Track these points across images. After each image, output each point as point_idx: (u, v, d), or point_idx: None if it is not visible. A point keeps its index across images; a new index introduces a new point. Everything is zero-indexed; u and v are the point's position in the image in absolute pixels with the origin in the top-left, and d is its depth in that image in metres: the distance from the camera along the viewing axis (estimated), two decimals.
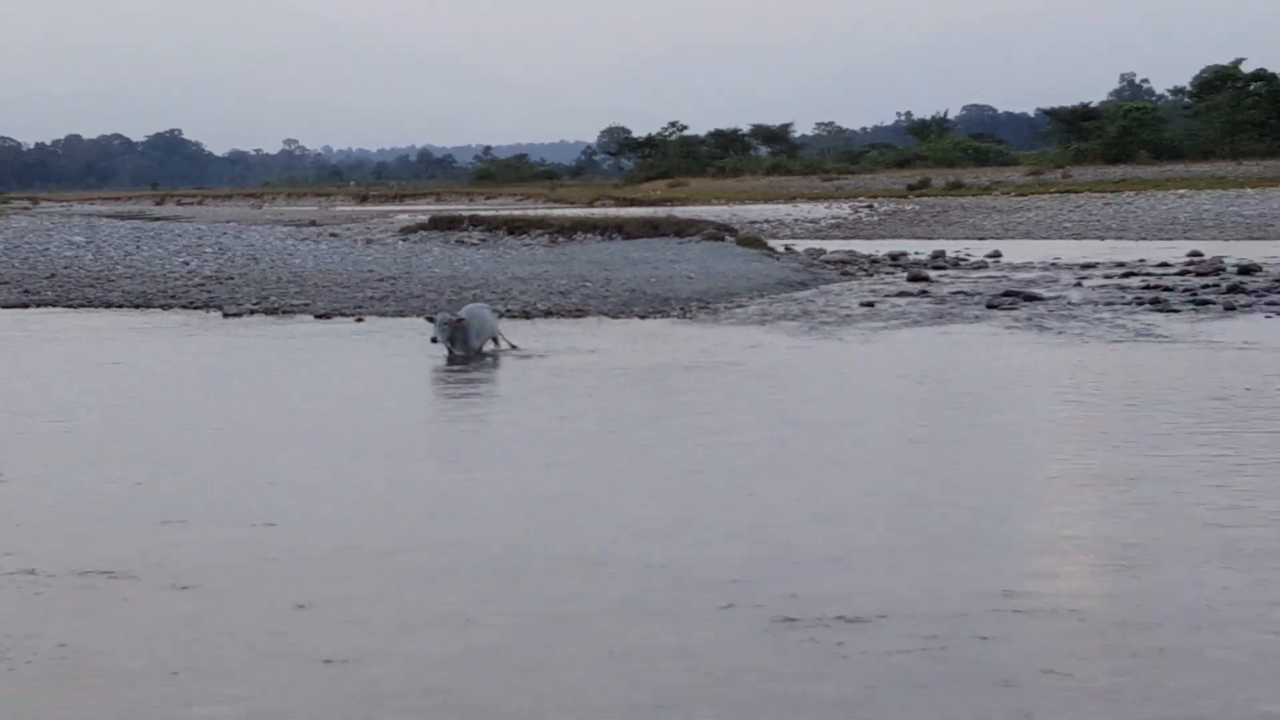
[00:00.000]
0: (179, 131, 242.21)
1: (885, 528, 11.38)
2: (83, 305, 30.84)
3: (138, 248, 40.05)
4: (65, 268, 36.69)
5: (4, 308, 30.32)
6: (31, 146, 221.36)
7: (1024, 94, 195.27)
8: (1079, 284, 34.27)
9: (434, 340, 21.24)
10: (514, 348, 22.38)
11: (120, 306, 30.50)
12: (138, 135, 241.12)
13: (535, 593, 9.64)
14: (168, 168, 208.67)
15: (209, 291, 31.96)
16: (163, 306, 30.20)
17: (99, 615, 9.21)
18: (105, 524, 11.72)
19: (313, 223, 62.06)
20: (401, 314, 27.54)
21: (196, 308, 29.85)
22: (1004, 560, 10.46)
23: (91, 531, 11.38)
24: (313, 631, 8.87)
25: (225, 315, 28.36)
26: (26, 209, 74.46)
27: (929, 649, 8.27)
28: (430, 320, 21.91)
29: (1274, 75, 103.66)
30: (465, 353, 21.48)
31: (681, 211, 59.17)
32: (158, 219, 57.46)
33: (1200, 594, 9.23)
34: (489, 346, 22.14)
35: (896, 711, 7.58)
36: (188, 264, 37.13)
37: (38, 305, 30.79)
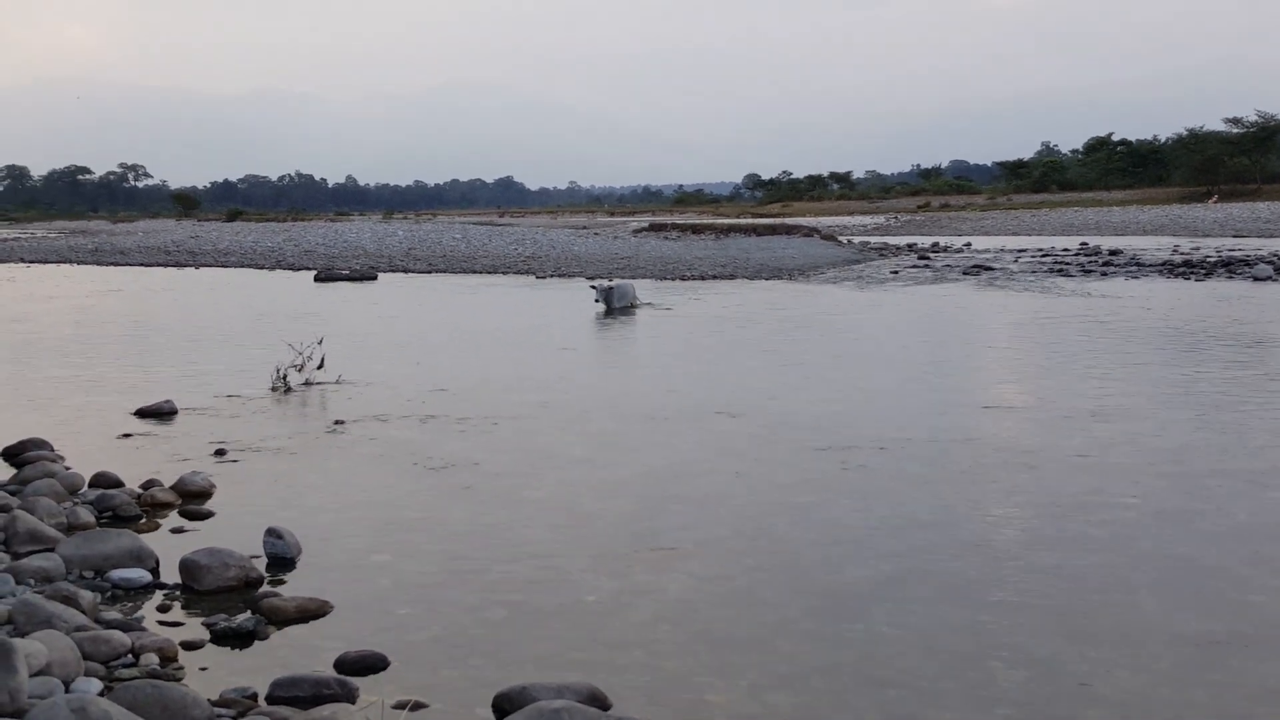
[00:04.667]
0: (512, 176, 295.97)
1: (902, 394, 12.94)
2: (460, 272, 36.54)
3: (489, 240, 45.48)
4: (450, 251, 42.79)
5: (420, 273, 36.79)
6: (431, 185, 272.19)
7: (985, 152, 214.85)
8: (1016, 260, 38.27)
9: (596, 300, 23.24)
10: (648, 304, 24.14)
11: (479, 273, 36.15)
12: (489, 179, 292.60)
13: (698, 430, 11.34)
14: (505, 197, 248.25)
15: (527, 265, 37.66)
16: (502, 273, 35.78)
17: (473, 440, 10.93)
18: (484, 387, 12.82)
19: (584, 227, 67.38)
20: (634, 277, 31.20)
21: (521, 274, 35.33)
22: (965, 408, 12.02)
23: (467, 391, 12.60)
24: (577, 447, 10.66)
25: (537, 278, 33.62)
26: (429, 219, 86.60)
27: (919, 456, 10.15)
28: (594, 287, 23.86)
29: (1130, 142, 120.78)
30: (611, 307, 23.03)
31: (789, 221, 64.46)
32: (499, 225, 63.12)
33: (1082, 435, 11.05)
34: (629, 303, 23.54)
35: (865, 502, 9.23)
36: (516, 249, 42.60)
37: (436, 272, 37.16)
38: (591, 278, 30.85)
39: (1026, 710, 5.26)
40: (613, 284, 23.98)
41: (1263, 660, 5.76)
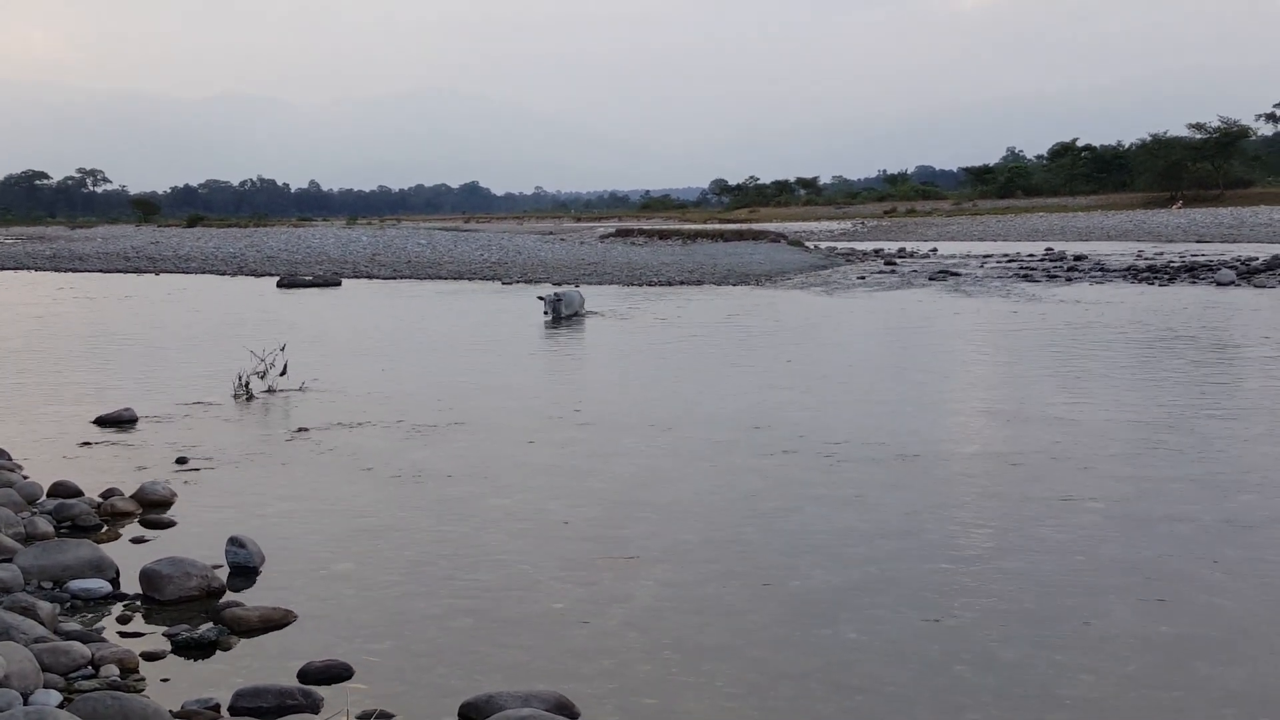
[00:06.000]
0: (478, 182, 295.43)
1: (869, 400, 12.88)
2: (425, 278, 36.44)
3: (454, 246, 45.22)
4: (415, 257, 42.53)
5: (384, 279, 36.69)
6: (396, 190, 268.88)
7: (951, 158, 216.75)
8: (982, 266, 38.77)
9: (544, 311, 22.50)
10: (592, 313, 23.57)
11: (445, 279, 36.06)
12: (455, 184, 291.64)
13: (664, 437, 11.37)
14: (470, 202, 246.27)
15: (493, 270, 37.55)
16: (468, 279, 35.67)
17: (437, 446, 10.89)
18: (439, 391, 12.66)
19: (550, 233, 67.63)
20: (601, 283, 32.00)
21: (487, 279, 35.30)
22: (932, 414, 12.22)
23: (431, 398, 12.53)
24: (543, 455, 10.65)
25: (503, 283, 33.64)
26: (393, 225, 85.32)
27: (887, 462, 10.14)
28: (541, 298, 23.04)
29: (1095, 147, 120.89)
30: (558, 316, 22.43)
31: (756, 227, 64.84)
32: (465, 231, 63.12)
33: (1048, 440, 11.05)
34: (575, 311, 23.07)
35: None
36: (482, 255, 42.35)
37: (401, 278, 37.04)
38: (559, 283, 30.92)
39: (994, 715, 5.28)
40: (560, 292, 23.47)
41: (1228, 664, 5.82)
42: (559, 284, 31.94)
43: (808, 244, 50.87)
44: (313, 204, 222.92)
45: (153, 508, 8.85)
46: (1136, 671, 5.73)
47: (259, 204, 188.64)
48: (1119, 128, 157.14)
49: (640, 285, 32.52)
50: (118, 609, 6.70)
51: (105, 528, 8.43)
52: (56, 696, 5.17)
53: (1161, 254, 43.27)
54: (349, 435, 11.57)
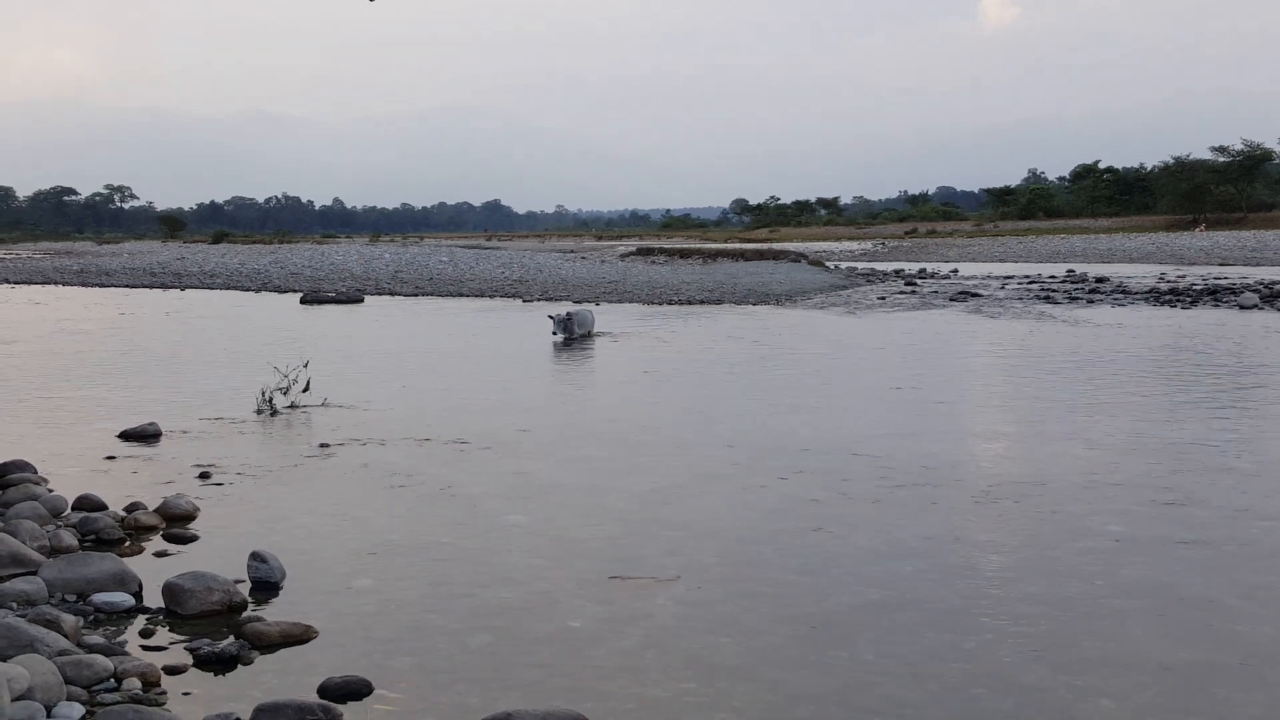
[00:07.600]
0: (500, 200, 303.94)
1: (888, 421, 12.80)
2: (447, 295, 36.61)
3: (476, 263, 45.30)
4: (437, 274, 42.63)
5: (407, 296, 36.85)
6: (419, 208, 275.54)
7: (973, 179, 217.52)
8: (1003, 287, 38.71)
9: (554, 332, 22.26)
10: (600, 334, 23.29)
11: (467, 296, 36.26)
12: (477, 202, 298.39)
13: (682, 456, 11.39)
14: (493, 221, 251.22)
15: (515, 288, 37.66)
16: (489, 296, 35.78)
17: (457, 464, 10.96)
18: (468, 411, 12.82)
19: (572, 251, 68.50)
20: (621, 301, 32.29)
21: (508, 297, 35.38)
22: (951, 435, 12.20)
23: (452, 415, 12.60)
24: (562, 472, 10.73)
25: (524, 301, 33.75)
26: (416, 242, 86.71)
27: (906, 483, 10.16)
28: (551, 317, 22.77)
29: (1117, 169, 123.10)
30: (569, 335, 22.28)
31: (777, 246, 65.68)
32: (487, 249, 62.88)
33: (1069, 464, 11.08)
34: (587, 331, 22.97)
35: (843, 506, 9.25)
36: (503, 273, 42.39)
37: (423, 295, 37.12)
38: (579, 301, 30.89)
39: None
40: (572, 311, 23.23)
41: (1247, 690, 5.78)
42: (579, 302, 32.05)
43: (828, 264, 50.85)
44: (336, 221, 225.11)
45: (176, 522, 8.91)
46: (1156, 696, 5.70)
47: (284, 220, 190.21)
48: (1141, 150, 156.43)
49: (661, 304, 32.56)
50: (140, 622, 6.74)
51: (129, 541, 8.48)
52: (79, 709, 5.22)
53: (1184, 277, 43.15)
54: (370, 451, 11.62)
